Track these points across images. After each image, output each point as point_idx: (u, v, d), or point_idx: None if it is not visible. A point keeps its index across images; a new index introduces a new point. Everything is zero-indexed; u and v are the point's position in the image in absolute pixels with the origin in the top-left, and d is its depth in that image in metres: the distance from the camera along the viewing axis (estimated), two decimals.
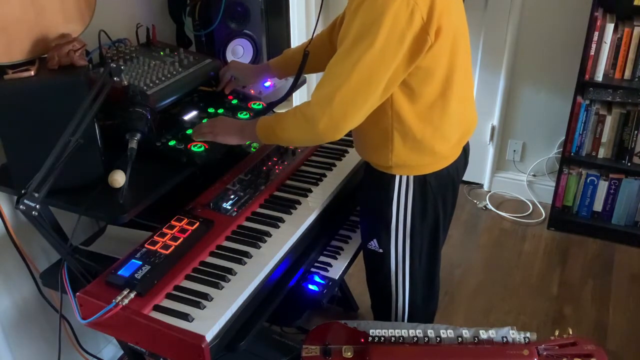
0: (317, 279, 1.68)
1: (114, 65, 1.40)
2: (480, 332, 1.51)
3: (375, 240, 1.61)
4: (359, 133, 1.51)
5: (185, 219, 1.44)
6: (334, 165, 1.79)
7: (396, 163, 1.47)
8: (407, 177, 1.49)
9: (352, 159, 1.82)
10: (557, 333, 1.50)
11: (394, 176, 1.49)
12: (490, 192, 3.23)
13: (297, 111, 1.38)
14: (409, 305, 1.68)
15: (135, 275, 1.26)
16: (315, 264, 1.73)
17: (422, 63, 1.32)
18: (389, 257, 1.60)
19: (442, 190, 1.52)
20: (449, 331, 1.51)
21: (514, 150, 3.12)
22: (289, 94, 1.81)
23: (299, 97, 3.16)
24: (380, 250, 1.61)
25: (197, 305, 1.23)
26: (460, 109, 1.46)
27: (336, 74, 1.30)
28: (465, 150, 1.60)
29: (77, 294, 1.26)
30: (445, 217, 1.59)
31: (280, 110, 1.86)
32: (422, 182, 1.49)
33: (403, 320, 1.72)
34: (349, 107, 1.30)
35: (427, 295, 1.71)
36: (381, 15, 1.22)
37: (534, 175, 3.15)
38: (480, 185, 3.28)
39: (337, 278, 1.70)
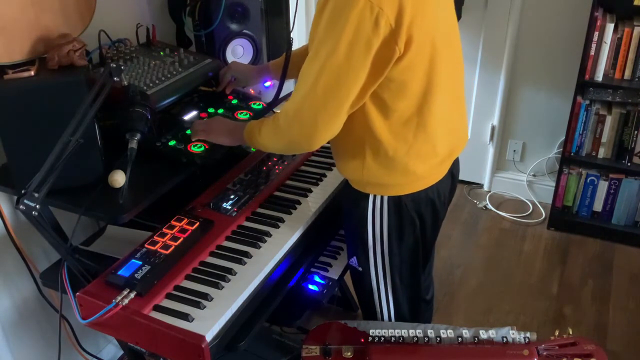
0: (317, 279, 1.68)
1: (114, 65, 1.39)
2: (480, 332, 1.51)
3: (355, 258, 1.58)
4: (335, 145, 1.47)
5: (185, 219, 1.44)
6: (334, 165, 1.79)
7: (368, 179, 1.42)
8: (382, 198, 1.43)
9: None
10: (557, 333, 1.50)
11: (368, 195, 1.44)
12: (490, 192, 3.23)
13: (274, 120, 1.35)
14: (395, 320, 1.65)
15: (135, 275, 1.26)
16: (315, 264, 1.73)
17: (394, 75, 1.26)
18: (369, 276, 1.57)
19: (420, 213, 1.45)
20: (449, 331, 1.51)
21: (514, 150, 3.12)
22: (278, 93, 1.79)
23: None
24: (360, 269, 1.58)
25: (197, 305, 1.23)
26: (442, 126, 1.39)
27: (303, 82, 1.26)
28: (453, 173, 1.54)
29: (77, 294, 1.26)
30: (425, 239, 1.52)
31: (279, 110, 1.85)
32: (397, 203, 1.43)
33: None
34: (318, 116, 1.25)
35: (413, 309, 1.66)
36: (343, 21, 1.17)
37: (534, 175, 3.15)
38: (480, 185, 3.28)
39: (337, 278, 1.70)
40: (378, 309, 1.63)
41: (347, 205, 1.54)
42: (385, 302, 1.62)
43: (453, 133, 1.47)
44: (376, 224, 1.47)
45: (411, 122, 1.34)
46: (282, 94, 1.85)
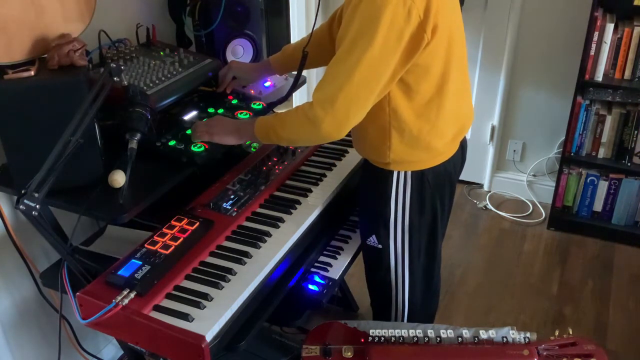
0: (317, 279, 1.68)
1: (114, 65, 1.39)
2: (480, 332, 1.51)
3: (374, 236, 1.61)
4: (358, 131, 1.52)
5: (185, 219, 1.44)
6: (334, 165, 1.79)
7: (393, 159, 1.48)
8: (405, 173, 1.50)
9: (352, 159, 1.82)
10: (557, 333, 1.50)
11: (392, 172, 1.50)
12: (490, 192, 3.23)
13: (299, 111, 1.38)
14: (408, 302, 1.69)
15: (135, 275, 1.26)
16: (315, 264, 1.73)
17: (419, 60, 1.33)
18: (388, 253, 1.61)
19: (440, 186, 1.53)
20: (449, 331, 1.51)
21: (514, 150, 3.12)
22: (289, 93, 1.82)
23: (299, 96, 3.16)
24: (380, 246, 1.61)
25: (197, 305, 1.23)
26: (456, 104, 1.47)
27: (337, 74, 1.31)
28: (463, 147, 1.61)
29: (77, 294, 1.26)
30: (443, 213, 1.60)
31: (279, 110, 1.86)
32: (419, 178, 1.50)
33: (402, 318, 1.72)
34: (351, 107, 1.31)
35: (426, 293, 1.71)
36: (379, 14, 1.23)
37: (534, 175, 3.15)
38: (480, 185, 3.28)
39: (337, 278, 1.70)
40: (393, 288, 1.67)
41: (368, 183, 1.59)
42: (401, 282, 1.65)
43: (463, 109, 1.54)
44: (399, 199, 1.52)
45: (433, 102, 1.42)
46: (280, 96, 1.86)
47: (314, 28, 1.66)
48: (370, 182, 1.58)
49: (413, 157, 1.48)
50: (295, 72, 1.76)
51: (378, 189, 1.54)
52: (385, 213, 1.55)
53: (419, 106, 1.41)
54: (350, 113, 1.32)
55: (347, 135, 1.40)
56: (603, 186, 2.78)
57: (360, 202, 1.66)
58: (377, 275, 1.69)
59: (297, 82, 1.76)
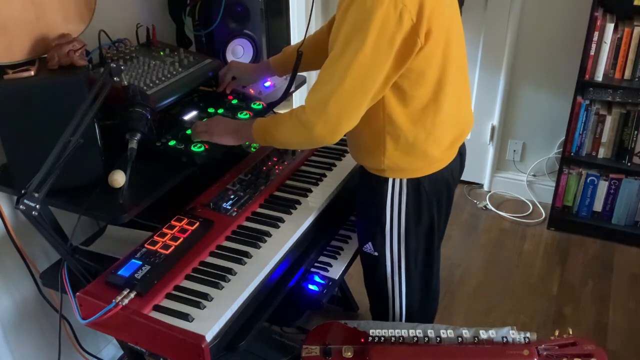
0: (317, 279, 1.68)
1: (114, 65, 1.39)
2: (480, 332, 1.51)
3: (370, 243, 1.60)
4: (352, 136, 1.51)
5: (185, 219, 1.44)
6: (334, 165, 1.79)
7: (388, 166, 1.46)
8: (401, 180, 1.47)
9: (352, 159, 1.82)
10: (557, 333, 1.50)
11: (387, 179, 1.48)
12: (490, 192, 3.23)
13: (292, 115, 1.37)
14: (406, 308, 1.68)
15: (135, 275, 1.26)
16: (315, 264, 1.73)
17: (414, 65, 1.30)
18: (384, 260, 1.60)
19: (437, 193, 1.51)
20: (449, 331, 1.51)
21: (514, 150, 3.12)
22: (286, 94, 1.81)
23: (299, 96, 3.16)
24: (376, 254, 1.60)
25: (197, 305, 1.23)
26: (454, 111, 1.44)
27: (328, 78, 1.29)
28: (461, 153, 1.59)
29: (77, 294, 1.26)
30: (440, 220, 1.58)
31: (279, 110, 1.87)
32: (415, 186, 1.47)
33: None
34: (343, 111, 1.29)
35: (424, 298, 1.70)
36: (369, 18, 1.21)
37: (534, 175, 3.15)
38: (480, 185, 3.28)
39: (337, 278, 1.70)
40: (390, 295, 1.66)
41: (364, 190, 1.57)
42: (398, 289, 1.64)
43: (462, 114, 1.52)
44: (394, 206, 1.50)
45: (429, 109, 1.39)
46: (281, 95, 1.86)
47: (308, 29, 1.64)
48: (366, 189, 1.56)
49: (409, 164, 1.45)
50: (288, 74, 1.75)
51: (374, 197, 1.52)
52: (381, 220, 1.53)
53: (414, 112, 1.38)
54: (342, 118, 1.30)
55: (346, 136, 1.39)
56: (603, 186, 2.78)
57: (357, 209, 1.65)
58: (374, 281, 1.68)
59: (292, 83, 1.75)
